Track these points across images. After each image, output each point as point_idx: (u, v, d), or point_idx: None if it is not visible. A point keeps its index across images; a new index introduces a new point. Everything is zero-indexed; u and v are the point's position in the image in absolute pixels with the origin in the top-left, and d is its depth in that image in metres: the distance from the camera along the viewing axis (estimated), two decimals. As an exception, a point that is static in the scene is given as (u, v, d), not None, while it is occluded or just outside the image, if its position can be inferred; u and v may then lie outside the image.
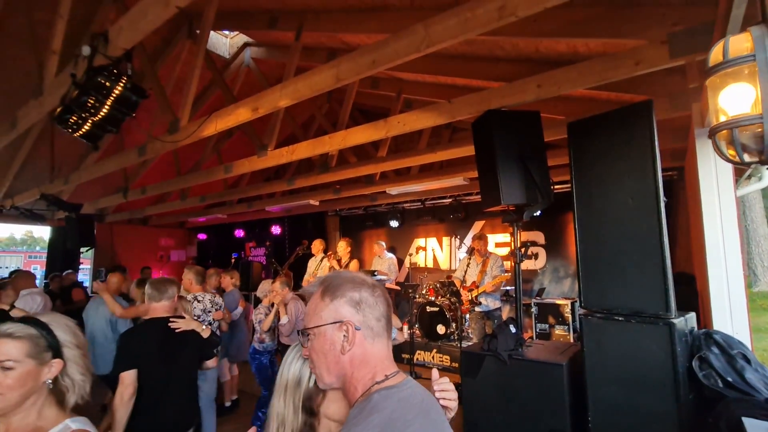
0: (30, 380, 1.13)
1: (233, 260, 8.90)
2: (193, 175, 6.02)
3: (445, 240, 7.29)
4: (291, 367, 1.13)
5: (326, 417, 1.06)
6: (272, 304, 3.96)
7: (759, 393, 1.79)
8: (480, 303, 4.86)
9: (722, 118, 1.13)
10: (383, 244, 6.77)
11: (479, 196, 4.92)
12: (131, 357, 2.24)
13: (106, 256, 9.04)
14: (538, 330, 5.09)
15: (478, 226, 6.86)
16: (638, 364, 2.02)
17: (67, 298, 6.11)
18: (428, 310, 4.78)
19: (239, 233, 10.00)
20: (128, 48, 2.58)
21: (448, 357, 4.50)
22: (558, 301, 5.09)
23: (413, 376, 3.96)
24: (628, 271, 2.11)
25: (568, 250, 5.93)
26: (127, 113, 2.92)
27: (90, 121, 2.94)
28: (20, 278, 4.11)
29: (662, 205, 2.01)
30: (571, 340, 4.71)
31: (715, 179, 2.55)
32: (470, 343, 4.47)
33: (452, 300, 4.75)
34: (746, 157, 1.10)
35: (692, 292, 3.45)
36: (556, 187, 2.96)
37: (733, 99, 1.10)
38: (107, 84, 2.71)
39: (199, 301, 3.73)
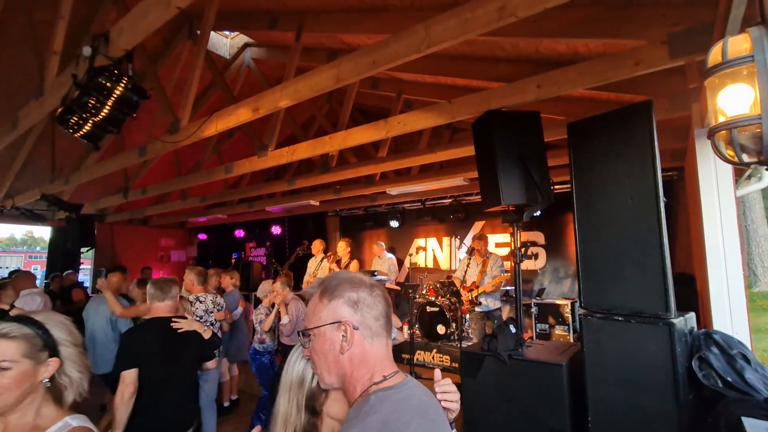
0: (27, 380, 1.12)
1: (233, 260, 8.90)
2: (193, 175, 6.03)
3: (445, 240, 7.29)
4: (294, 367, 1.15)
5: (329, 416, 1.07)
6: (272, 305, 3.96)
7: (758, 393, 1.79)
8: (480, 303, 4.86)
9: (721, 119, 1.13)
10: (382, 244, 6.77)
11: (479, 197, 4.92)
12: (133, 356, 2.25)
13: (106, 256, 9.05)
14: (538, 330, 5.09)
15: (478, 226, 6.87)
16: (638, 364, 2.02)
17: (67, 299, 6.11)
18: (428, 310, 4.78)
19: (239, 233, 10.00)
20: (129, 48, 2.58)
21: (448, 357, 4.50)
22: (558, 302, 5.09)
23: (413, 376, 3.95)
24: (628, 271, 2.11)
25: (568, 251, 5.93)
26: (128, 114, 2.92)
27: (91, 121, 2.94)
28: (20, 278, 4.12)
29: (662, 205, 2.02)
30: (571, 341, 4.71)
31: (714, 179, 2.55)
32: (470, 343, 4.47)
33: (452, 300, 4.76)
34: (745, 158, 1.10)
35: (692, 293, 3.46)
36: (556, 187, 2.97)
37: (731, 100, 1.10)
38: (108, 84, 2.72)
39: (201, 302, 3.74)
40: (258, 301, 4.49)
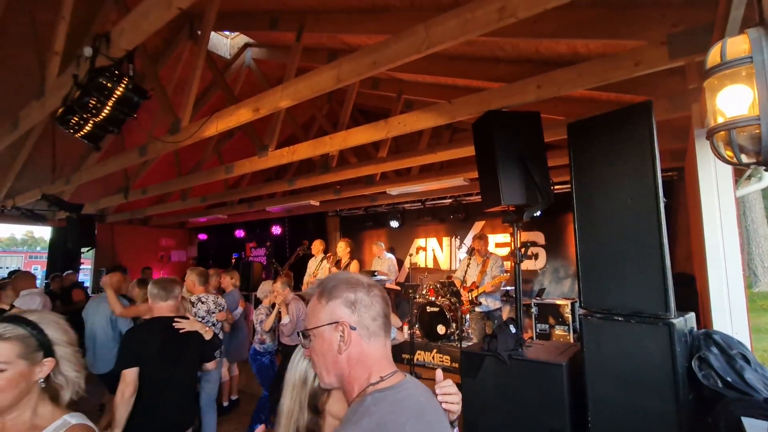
0: (22, 381, 1.12)
1: (234, 260, 8.91)
2: (194, 175, 6.03)
3: (446, 240, 7.30)
4: (297, 367, 1.17)
5: (331, 415, 1.08)
6: (273, 305, 3.97)
7: (758, 393, 1.79)
8: (480, 303, 4.87)
9: (720, 120, 1.14)
10: (382, 245, 6.78)
11: (479, 197, 4.92)
12: (134, 354, 2.26)
13: (106, 256, 9.06)
14: (538, 330, 5.10)
15: (478, 226, 6.87)
16: (638, 364, 2.02)
17: (67, 299, 6.12)
18: (428, 311, 4.78)
19: (240, 233, 10.01)
20: (130, 49, 2.59)
21: (448, 357, 4.51)
22: (558, 302, 5.09)
23: (414, 376, 3.95)
24: (628, 271, 2.11)
25: (568, 251, 5.94)
26: (129, 114, 2.93)
27: (92, 121, 2.95)
28: (20, 279, 4.13)
29: (662, 205, 2.02)
30: (571, 341, 4.72)
31: (714, 180, 2.56)
32: (470, 344, 4.47)
33: (452, 300, 4.76)
34: (744, 158, 1.11)
35: (692, 293, 3.46)
36: (556, 187, 2.97)
37: (730, 100, 1.11)
38: (109, 85, 2.72)
39: (203, 303, 3.75)
40: (258, 302, 4.49)
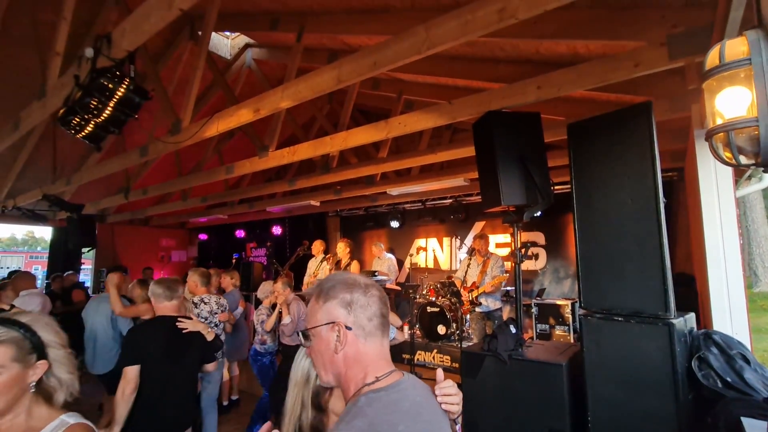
0: (16, 384, 1.11)
1: (234, 261, 8.92)
2: (194, 175, 6.04)
3: (446, 240, 7.30)
4: (299, 366, 1.21)
5: (334, 413, 1.11)
6: (273, 306, 3.97)
7: (757, 393, 1.79)
8: (480, 303, 4.87)
9: (719, 121, 1.14)
10: (381, 245, 6.78)
11: (480, 197, 4.92)
12: (137, 352, 2.27)
13: (107, 256, 9.07)
14: (538, 330, 5.10)
15: (478, 226, 6.88)
16: (638, 364, 2.02)
17: (67, 299, 6.13)
18: (429, 311, 4.79)
19: (240, 234, 10.02)
20: (131, 50, 2.59)
21: (448, 357, 4.51)
22: (558, 302, 5.09)
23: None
24: (628, 271, 2.12)
25: (569, 251, 5.94)
26: (130, 114, 2.94)
27: (93, 122, 2.96)
28: (20, 279, 4.14)
29: (662, 205, 2.03)
30: (572, 341, 4.72)
31: (714, 180, 2.56)
32: (470, 344, 4.48)
33: (453, 300, 4.76)
34: (742, 160, 1.12)
35: (692, 293, 3.47)
36: (556, 187, 2.97)
37: (729, 102, 1.12)
38: (110, 86, 2.73)
39: (205, 303, 3.76)
40: (258, 302, 4.50)
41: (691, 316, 2.19)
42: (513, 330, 2.57)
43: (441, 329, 4.65)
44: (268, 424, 0.98)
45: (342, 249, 5.98)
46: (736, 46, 1.10)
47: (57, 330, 1.24)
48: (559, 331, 4.97)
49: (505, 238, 6.49)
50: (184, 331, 2.44)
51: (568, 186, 2.40)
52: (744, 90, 1.08)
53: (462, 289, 4.94)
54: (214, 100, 5.57)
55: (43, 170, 6.29)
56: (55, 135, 5.62)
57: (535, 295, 5.67)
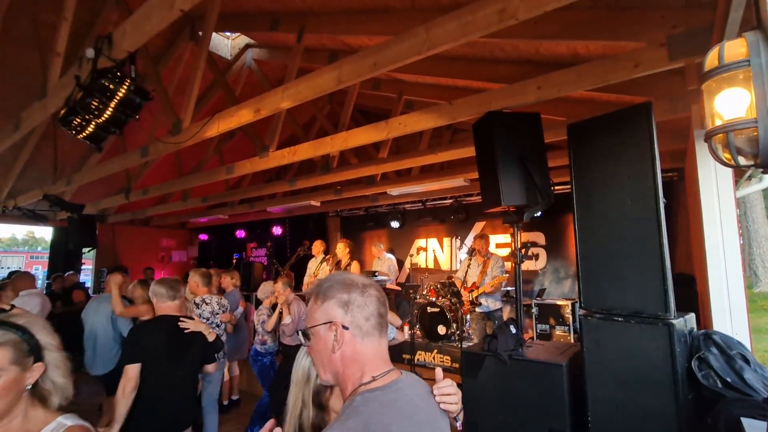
0: (15, 387, 1.09)
1: (234, 261, 8.93)
2: (194, 176, 6.05)
3: (446, 241, 7.30)
4: (300, 364, 1.24)
5: (334, 411, 1.12)
6: (273, 306, 3.98)
7: (757, 393, 1.80)
8: (480, 304, 4.87)
9: (718, 122, 1.15)
10: (381, 246, 6.79)
11: (480, 197, 4.93)
12: (138, 350, 2.28)
13: (107, 256, 9.07)
14: (538, 330, 5.10)
15: (478, 227, 6.88)
16: (638, 364, 2.03)
17: (68, 299, 6.14)
18: (429, 311, 4.79)
19: (240, 234, 10.02)
20: (132, 50, 2.60)
21: (448, 357, 4.51)
22: (558, 302, 5.10)
23: (414, 376, 3.96)
24: (628, 271, 2.12)
25: (569, 251, 5.94)
26: (131, 115, 2.94)
27: (94, 122, 2.96)
28: (19, 279, 4.15)
29: (662, 206, 2.03)
30: (572, 341, 4.72)
31: (714, 180, 2.57)
32: (471, 344, 4.48)
33: (453, 300, 4.77)
34: (741, 161, 1.12)
35: (692, 293, 3.47)
36: (556, 188, 2.97)
37: (728, 103, 1.12)
38: (111, 86, 2.73)
39: (207, 304, 3.76)
40: (259, 302, 4.51)
41: (691, 317, 2.19)
42: (513, 330, 2.57)
43: (441, 329, 4.65)
44: (271, 422, 0.99)
45: (341, 250, 5.99)
46: (735, 48, 1.10)
47: (52, 333, 1.24)
48: (559, 331, 4.97)
49: (506, 238, 6.49)
50: (185, 331, 2.44)
51: (568, 186, 2.41)
52: (743, 91, 1.09)
53: (462, 290, 4.95)
54: (214, 100, 5.58)
55: (44, 170, 6.30)
56: (56, 135, 5.62)
57: (535, 296, 5.67)
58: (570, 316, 4.90)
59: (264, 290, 4.48)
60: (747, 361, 1.92)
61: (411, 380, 1.00)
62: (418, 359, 4.68)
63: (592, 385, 2.16)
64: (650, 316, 2.03)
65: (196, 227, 10.75)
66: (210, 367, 2.66)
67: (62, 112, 3.06)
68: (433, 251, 7.45)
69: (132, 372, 2.20)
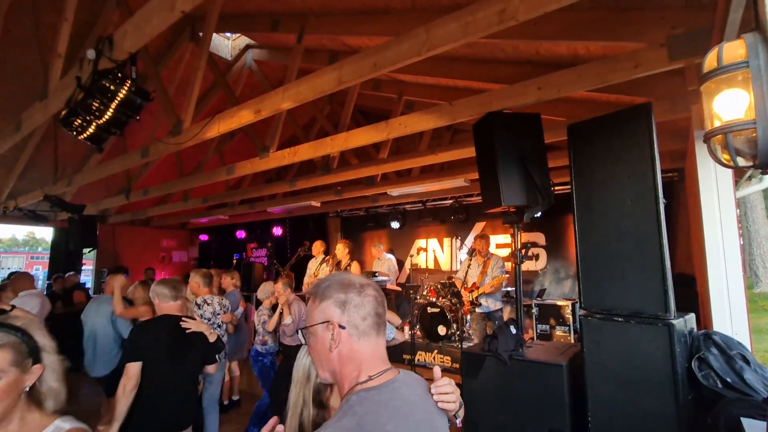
0: (14, 390, 1.09)
1: (235, 261, 8.93)
2: (195, 176, 6.05)
3: (446, 241, 7.31)
4: (302, 364, 1.25)
5: (334, 410, 1.14)
6: (274, 306, 3.98)
7: (757, 393, 1.80)
8: (481, 304, 4.88)
9: (717, 123, 1.15)
10: (381, 246, 6.79)
11: (480, 198, 4.93)
12: (140, 349, 2.28)
13: (108, 257, 9.08)
14: (538, 331, 5.10)
15: (479, 227, 6.88)
16: (638, 364, 2.03)
17: (68, 300, 6.15)
18: (429, 311, 4.80)
19: (241, 234, 10.03)
20: (133, 51, 2.60)
21: (449, 358, 4.52)
22: (559, 302, 5.10)
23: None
24: (628, 272, 2.13)
25: (569, 252, 5.94)
26: (132, 116, 2.95)
27: (95, 123, 2.97)
28: (19, 279, 4.15)
29: (662, 206, 2.03)
30: (572, 341, 4.72)
31: (714, 181, 2.57)
32: (471, 344, 4.48)
33: (453, 301, 4.77)
34: (740, 161, 1.12)
35: (692, 293, 3.47)
36: (556, 188, 2.98)
37: (727, 104, 1.12)
38: (112, 87, 2.74)
39: (208, 304, 3.77)
40: (259, 302, 4.52)
41: (691, 317, 2.20)
42: (513, 330, 2.57)
43: (441, 330, 4.65)
44: (274, 419, 0.99)
45: (341, 250, 5.98)
46: (733, 49, 1.10)
47: (48, 334, 1.24)
48: (559, 331, 4.97)
49: (506, 238, 6.50)
50: (187, 332, 2.45)
51: (569, 186, 2.41)
52: (742, 92, 1.09)
53: (462, 290, 4.95)
54: (215, 101, 5.58)
55: (45, 171, 6.30)
56: (57, 136, 5.63)
57: (535, 296, 5.67)
58: (570, 317, 4.90)
59: (264, 291, 4.48)
60: (747, 362, 1.92)
61: (409, 379, 1.00)
62: (418, 360, 4.68)
63: (592, 386, 2.16)
64: (650, 316, 2.03)
65: (196, 228, 10.76)
66: (210, 368, 2.67)
67: (63, 112, 3.07)
68: (434, 252, 7.45)
69: (133, 370, 2.21)
